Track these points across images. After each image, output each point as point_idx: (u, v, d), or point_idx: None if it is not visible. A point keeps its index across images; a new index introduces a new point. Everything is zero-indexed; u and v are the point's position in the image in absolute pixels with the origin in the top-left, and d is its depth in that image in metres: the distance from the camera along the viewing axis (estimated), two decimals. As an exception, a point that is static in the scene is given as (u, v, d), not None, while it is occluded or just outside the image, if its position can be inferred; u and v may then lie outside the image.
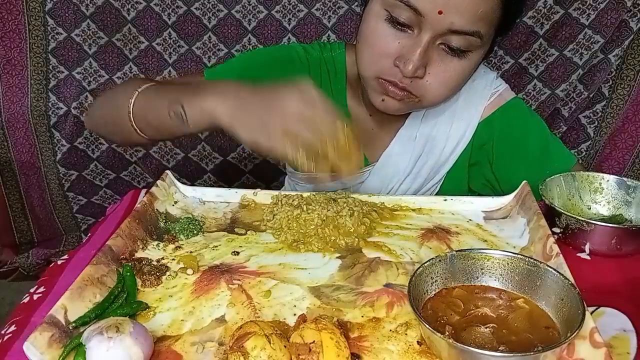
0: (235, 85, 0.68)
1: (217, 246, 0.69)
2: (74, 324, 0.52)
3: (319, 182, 0.73)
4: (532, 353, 0.46)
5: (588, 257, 0.68)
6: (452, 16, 0.70)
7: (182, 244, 0.70)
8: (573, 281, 0.52)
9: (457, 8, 0.69)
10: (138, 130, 0.73)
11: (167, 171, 0.82)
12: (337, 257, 0.67)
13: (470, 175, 0.95)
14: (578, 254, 0.68)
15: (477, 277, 0.57)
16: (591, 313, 0.55)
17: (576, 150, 1.56)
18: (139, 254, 0.67)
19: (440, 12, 0.69)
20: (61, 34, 1.49)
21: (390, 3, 0.72)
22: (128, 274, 0.61)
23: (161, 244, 0.69)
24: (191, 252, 0.68)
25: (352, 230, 0.70)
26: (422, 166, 0.92)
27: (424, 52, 0.73)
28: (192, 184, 0.83)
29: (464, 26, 0.71)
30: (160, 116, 0.70)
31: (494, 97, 0.91)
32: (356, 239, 0.69)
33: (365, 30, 0.78)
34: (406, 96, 0.77)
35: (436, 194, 0.94)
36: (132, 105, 0.72)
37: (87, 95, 1.55)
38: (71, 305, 0.53)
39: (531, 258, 0.55)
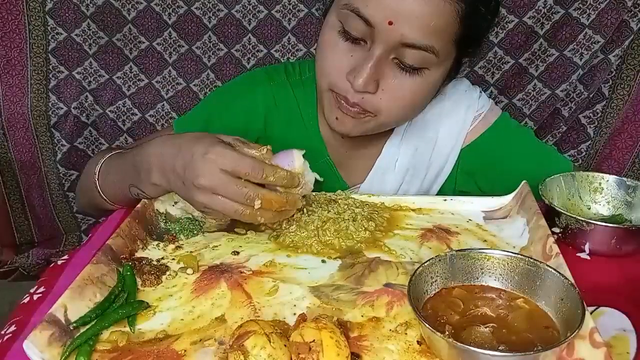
0: (162, 157, 0.68)
1: (217, 246, 0.69)
2: (74, 324, 0.52)
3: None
4: (531, 353, 0.46)
5: (588, 257, 0.68)
6: (402, 27, 0.67)
7: (182, 244, 0.70)
8: (573, 281, 0.52)
9: (408, 19, 0.66)
10: (115, 206, 0.81)
11: None
12: (337, 257, 0.67)
13: None
14: (578, 254, 0.68)
15: (477, 277, 0.57)
16: (591, 313, 0.55)
17: (576, 150, 1.57)
18: (139, 254, 0.67)
19: (390, 23, 0.66)
20: (61, 34, 1.49)
21: (343, 14, 0.70)
22: (128, 273, 0.61)
23: (161, 244, 0.69)
24: (191, 251, 0.68)
25: (354, 234, 0.70)
26: None
27: (375, 65, 0.70)
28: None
29: (416, 39, 0.68)
30: (125, 195, 0.76)
31: (477, 122, 0.88)
32: (358, 243, 0.69)
33: (321, 42, 0.76)
34: (359, 114, 0.75)
35: None
36: (99, 188, 0.79)
37: (87, 95, 1.55)
38: (71, 304, 0.53)
39: (531, 258, 0.55)
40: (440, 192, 0.92)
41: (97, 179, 0.79)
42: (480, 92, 0.91)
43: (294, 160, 0.67)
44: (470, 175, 0.91)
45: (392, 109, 0.75)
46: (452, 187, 0.92)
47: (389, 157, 0.89)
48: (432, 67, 0.72)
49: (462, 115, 0.88)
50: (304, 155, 0.68)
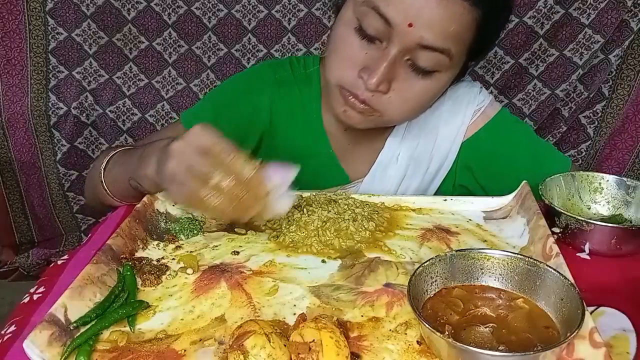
0: (158, 148, 0.66)
1: (217, 246, 0.69)
2: (74, 324, 0.52)
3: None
4: (531, 353, 0.46)
5: (588, 257, 0.68)
6: (422, 30, 0.67)
7: (182, 244, 0.70)
8: (573, 281, 0.52)
9: (429, 23, 0.67)
10: (119, 201, 0.80)
11: None
12: (337, 257, 0.67)
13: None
14: (578, 254, 0.68)
15: (477, 277, 0.57)
16: (591, 313, 0.55)
17: (576, 150, 1.57)
18: (139, 254, 0.67)
19: (410, 25, 0.67)
20: (61, 33, 1.49)
21: (362, 11, 0.70)
22: (128, 273, 0.61)
23: (161, 244, 0.69)
24: (191, 251, 0.68)
25: (354, 235, 0.70)
26: (405, 189, 0.91)
27: (390, 65, 0.70)
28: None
29: (433, 42, 0.68)
30: (127, 189, 0.75)
31: (477, 116, 0.89)
32: (358, 243, 0.69)
33: (335, 36, 0.76)
34: (367, 110, 0.76)
35: None
36: (104, 182, 0.79)
37: (87, 95, 1.56)
38: (71, 304, 0.53)
39: (531, 258, 0.55)
40: (441, 187, 0.93)
41: (103, 172, 0.79)
42: (481, 87, 0.92)
43: (283, 175, 0.62)
44: (469, 169, 0.91)
45: (399, 110, 0.76)
46: (452, 181, 0.92)
47: (392, 151, 0.90)
48: (444, 71, 0.73)
49: (462, 109, 0.89)
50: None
